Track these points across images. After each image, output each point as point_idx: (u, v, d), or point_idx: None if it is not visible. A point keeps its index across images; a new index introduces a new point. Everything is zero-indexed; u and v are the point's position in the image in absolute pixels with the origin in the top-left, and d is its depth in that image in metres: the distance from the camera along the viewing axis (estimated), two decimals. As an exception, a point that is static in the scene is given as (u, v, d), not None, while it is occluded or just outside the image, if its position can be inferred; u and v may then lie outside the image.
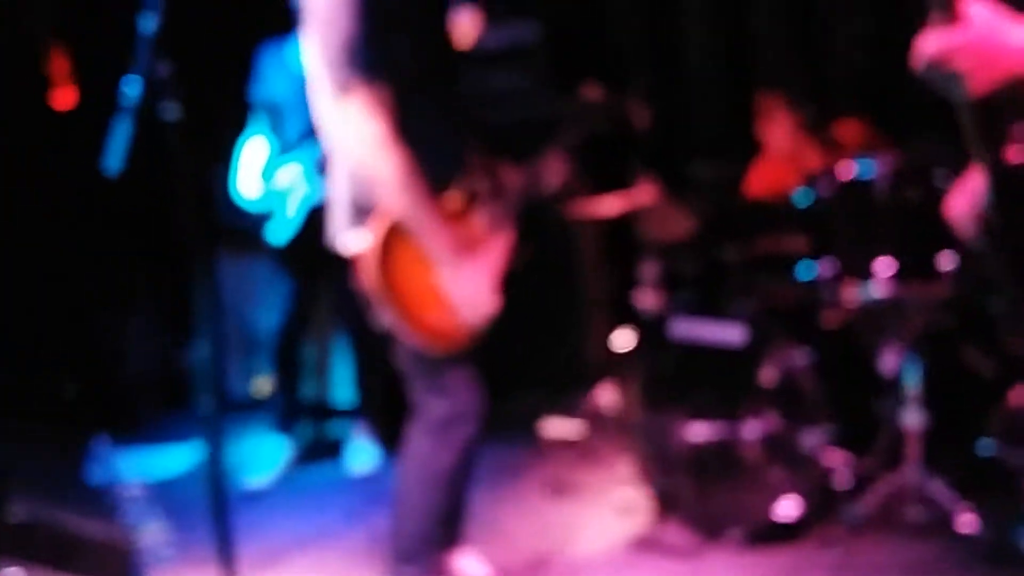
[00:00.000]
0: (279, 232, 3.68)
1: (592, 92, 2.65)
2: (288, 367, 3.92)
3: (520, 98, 4.03)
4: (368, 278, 2.14)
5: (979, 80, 1.24)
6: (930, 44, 1.24)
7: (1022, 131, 1.43)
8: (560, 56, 2.87)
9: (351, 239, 2.25)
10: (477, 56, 3.44)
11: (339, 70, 2.10)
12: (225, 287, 4.55)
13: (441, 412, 2.28)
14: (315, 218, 3.49)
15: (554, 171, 2.48)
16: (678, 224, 3.18)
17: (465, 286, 2.19)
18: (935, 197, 2.38)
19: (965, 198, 1.64)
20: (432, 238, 2.16)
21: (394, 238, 2.15)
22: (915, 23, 3.91)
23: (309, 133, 3.45)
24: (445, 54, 2.36)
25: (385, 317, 2.17)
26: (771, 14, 4.20)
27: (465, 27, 2.71)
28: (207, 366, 2.32)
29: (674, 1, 4.41)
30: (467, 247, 2.24)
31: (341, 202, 2.27)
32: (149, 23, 1.70)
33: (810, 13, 4.15)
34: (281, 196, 3.63)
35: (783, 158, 3.61)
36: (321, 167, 3.43)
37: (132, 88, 1.67)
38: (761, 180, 3.70)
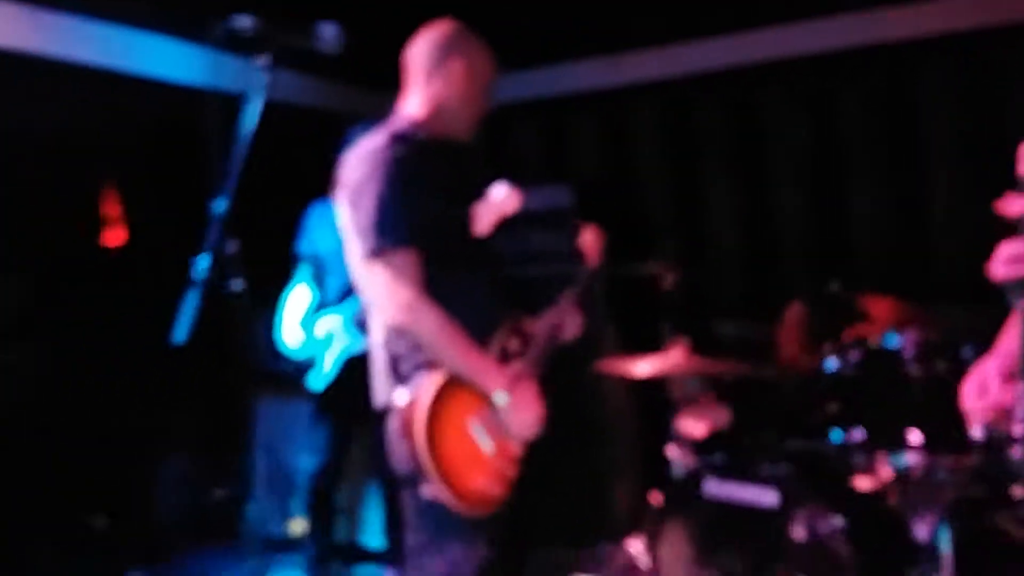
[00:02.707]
0: (318, 379, 3.68)
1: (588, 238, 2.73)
2: (322, 509, 3.85)
3: (554, 257, 4.10)
4: (413, 435, 2.10)
5: None
6: (1014, 250, 1.25)
7: None
8: (591, 220, 2.96)
9: (389, 395, 2.24)
10: (515, 218, 3.53)
11: (370, 236, 2.14)
12: (263, 428, 4.53)
13: (433, 572, 2.20)
14: (353, 368, 3.51)
15: (571, 319, 2.49)
16: (714, 411, 3.17)
17: (522, 411, 2.20)
18: (962, 370, 2.36)
19: (977, 391, 1.60)
20: (486, 378, 2.17)
21: (440, 400, 2.13)
22: (933, 194, 3.98)
23: (350, 287, 3.52)
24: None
25: (420, 471, 2.11)
26: (793, 184, 4.31)
27: (503, 198, 2.79)
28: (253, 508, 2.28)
29: (699, 170, 4.54)
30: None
31: (379, 358, 2.29)
32: (220, 204, 1.76)
33: (829, 183, 4.25)
34: (321, 345, 3.65)
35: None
36: (359, 320, 3.48)
37: (202, 264, 1.71)
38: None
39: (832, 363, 2.81)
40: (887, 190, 4.10)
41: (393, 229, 2.13)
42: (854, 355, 2.74)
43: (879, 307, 3.20)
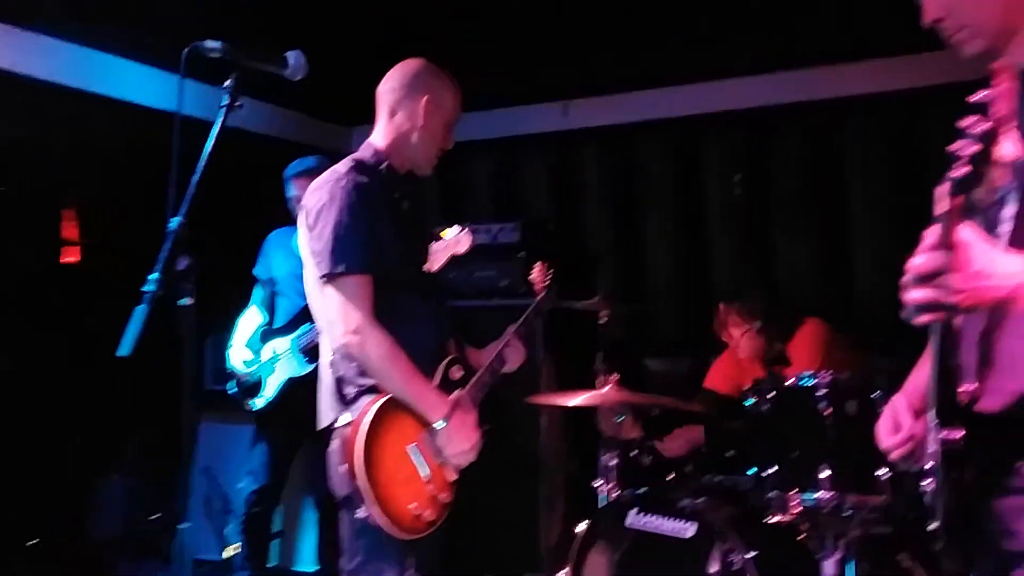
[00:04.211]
0: (260, 401, 3.69)
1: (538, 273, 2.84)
2: (258, 533, 3.85)
3: (500, 290, 4.18)
4: (352, 457, 2.14)
5: (966, 301, 1.21)
6: (923, 263, 1.22)
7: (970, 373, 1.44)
8: (538, 256, 3.07)
9: (332, 416, 2.28)
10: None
11: (325, 260, 2.19)
12: (202, 449, 4.48)
13: None
14: (295, 392, 3.53)
15: (514, 351, 2.57)
16: (634, 424, 3.27)
17: (459, 439, 2.25)
18: (874, 410, 2.48)
19: (891, 427, 1.69)
20: (426, 404, 2.23)
21: (380, 423, 2.18)
22: (856, 242, 4.17)
23: (300, 312, 3.57)
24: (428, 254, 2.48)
25: (357, 492, 2.14)
26: (726, 228, 4.48)
27: (456, 238, 2.89)
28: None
29: (639, 211, 4.70)
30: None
31: (326, 380, 2.33)
32: (175, 222, 1.79)
33: (760, 229, 4.43)
34: (266, 368, 3.68)
35: (743, 359, 3.71)
36: (305, 346, 3.52)
37: (152, 279, 1.74)
38: (720, 375, 3.81)
39: (747, 399, 2.92)
40: (813, 237, 4.30)
41: (348, 255, 2.19)
42: (769, 393, 2.82)
43: (809, 330, 3.35)
